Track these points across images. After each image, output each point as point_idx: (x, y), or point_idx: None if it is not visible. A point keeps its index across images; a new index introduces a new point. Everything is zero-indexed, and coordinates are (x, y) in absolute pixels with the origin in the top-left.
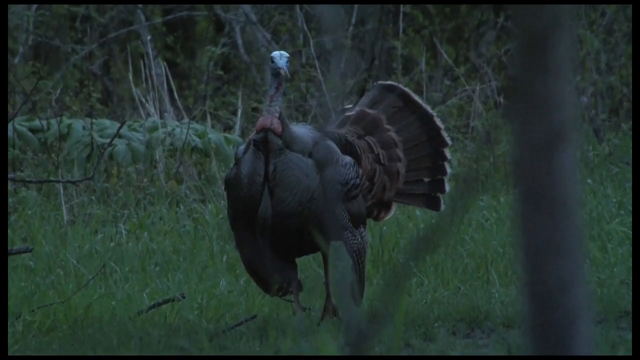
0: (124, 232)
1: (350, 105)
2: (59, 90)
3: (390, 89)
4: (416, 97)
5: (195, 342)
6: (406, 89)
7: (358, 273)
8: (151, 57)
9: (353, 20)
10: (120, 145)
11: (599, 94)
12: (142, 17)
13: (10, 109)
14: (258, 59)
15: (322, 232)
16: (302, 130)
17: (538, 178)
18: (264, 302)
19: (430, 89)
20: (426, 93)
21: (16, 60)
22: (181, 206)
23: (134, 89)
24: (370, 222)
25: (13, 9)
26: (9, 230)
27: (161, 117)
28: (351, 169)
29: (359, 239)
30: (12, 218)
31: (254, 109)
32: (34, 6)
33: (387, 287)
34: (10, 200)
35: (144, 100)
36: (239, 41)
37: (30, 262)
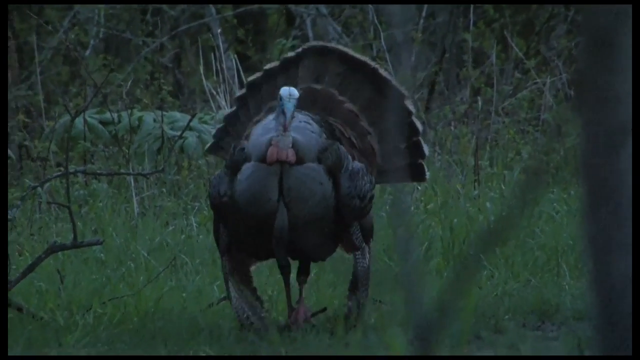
0: (194, 224)
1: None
2: (129, 83)
3: (323, 52)
4: (354, 54)
5: (264, 335)
6: (339, 48)
7: (360, 298)
8: (222, 50)
9: (424, 13)
10: (191, 137)
11: None
12: (213, 10)
13: (81, 102)
14: None
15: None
16: (306, 136)
17: (604, 173)
18: (335, 294)
19: (501, 82)
20: (497, 86)
21: (87, 53)
22: None
23: (204, 81)
24: (440, 215)
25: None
26: (79, 222)
27: None
28: (365, 178)
29: (366, 261)
30: (83, 210)
31: None
32: None
33: (457, 279)
34: (81, 192)
35: (214, 93)
36: (310, 34)
37: (101, 255)
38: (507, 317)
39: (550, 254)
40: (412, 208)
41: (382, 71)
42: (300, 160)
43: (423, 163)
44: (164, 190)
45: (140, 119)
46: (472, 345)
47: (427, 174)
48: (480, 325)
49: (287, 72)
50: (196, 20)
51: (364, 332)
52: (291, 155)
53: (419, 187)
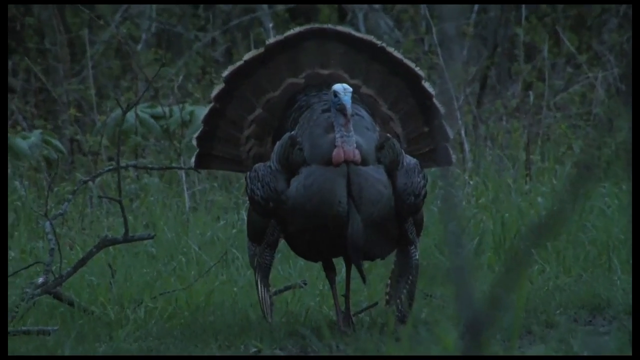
0: (246, 218)
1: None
2: (181, 77)
3: (322, 34)
4: (356, 34)
5: (315, 330)
6: (339, 28)
7: (413, 289)
8: None
9: (475, 8)
10: None
11: None
12: (265, 4)
13: (132, 96)
14: None
15: (391, 242)
16: (364, 135)
17: None
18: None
19: (552, 76)
20: (548, 80)
21: (139, 47)
22: None
23: None
24: (492, 209)
25: None
26: (130, 217)
27: None
28: (420, 174)
29: (417, 255)
30: (134, 204)
31: None
32: None
33: (508, 273)
34: (132, 186)
35: None
36: (362, 28)
37: (152, 249)
38: (558, 311)
39: (602, 248)
40: (464, 202)
41: (391, 50)
42: (364, 162)
43: (448, 146)
44: (215, 184)
45: (191, 113)
46: (523, 340)
47: (453, 157)
48: (532, 320)
49: (288, 56)
50: (248, 15)
51: (414, 326)
52: (357, 155)
53: (471, 182)
